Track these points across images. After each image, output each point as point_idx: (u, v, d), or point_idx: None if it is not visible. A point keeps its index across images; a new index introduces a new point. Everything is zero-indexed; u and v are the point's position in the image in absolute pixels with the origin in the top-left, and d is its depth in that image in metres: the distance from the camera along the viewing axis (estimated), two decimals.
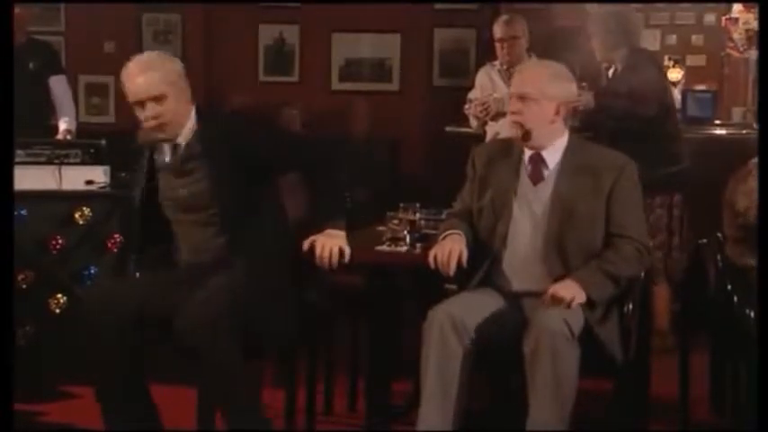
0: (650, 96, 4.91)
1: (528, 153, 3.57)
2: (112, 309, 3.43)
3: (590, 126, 4.87)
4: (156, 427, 3.56)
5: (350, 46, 7.66)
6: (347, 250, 3.50)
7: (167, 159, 3.63)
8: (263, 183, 3.60)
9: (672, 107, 5.39)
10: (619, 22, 5.10)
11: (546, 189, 3.53)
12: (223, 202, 3.56)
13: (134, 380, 3.51)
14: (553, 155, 3.55)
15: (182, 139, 3.59)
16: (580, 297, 3.33)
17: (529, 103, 3.50)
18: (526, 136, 3.53)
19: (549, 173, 3.54)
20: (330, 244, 3.48)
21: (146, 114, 3.52)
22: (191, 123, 3.60)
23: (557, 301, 3.32)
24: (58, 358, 4.51)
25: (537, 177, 3.55)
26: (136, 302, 3.48)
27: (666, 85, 5.36)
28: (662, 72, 5.44)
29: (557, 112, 3.51)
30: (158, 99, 3.51)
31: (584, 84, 4.89)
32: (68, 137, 5.55)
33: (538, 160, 3.55)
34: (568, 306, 3.31)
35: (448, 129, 6.62)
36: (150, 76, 3.51)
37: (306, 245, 3.52)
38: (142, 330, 3.47)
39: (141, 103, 3.52)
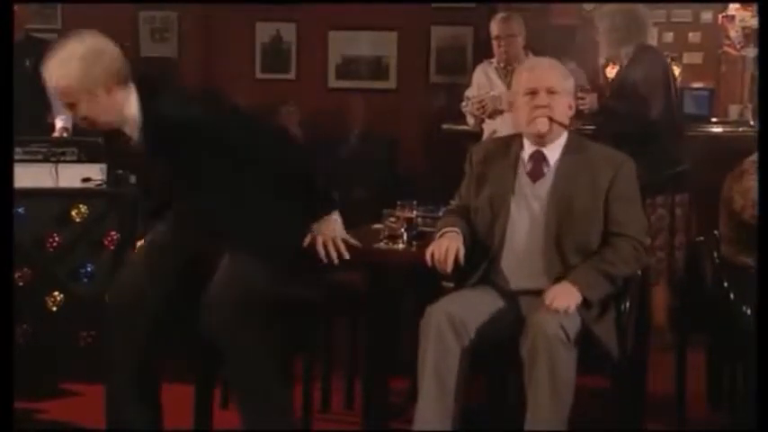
0: (655, 96, 4.87)
1: (528, 150, 3.56)
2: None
3: (594, 127, 4.87)
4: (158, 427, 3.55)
5: (347, 44, 7.65)
6: (350, 243, 3.50)
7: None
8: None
9: (676, 107, 5.32)
10: (625, 18, 5.02)
11: (544, 186, 3.52)
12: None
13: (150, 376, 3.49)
14: (553, 152, 3.54)
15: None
16: (576, 301, 3.32)
17: (556, 97, 3.50)
18: (551, 130, 3.50)
19: (548, 170, 3.54)
20: (330, 237, 3.48)
21: None
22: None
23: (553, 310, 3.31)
24: (58, 356, 4.52)
25: (537, 175, 3.54)
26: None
27: (672, 84, 5.21)
28: (669, 70, 5.31)
29: (570, 107, 3.56)
30: None
31: (587, 86, 4.88)
32: (65, 134, 5.52)
33: (539, 158, 3.55)
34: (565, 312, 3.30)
35: (445, 126, 6.62)
36: None
37: (306, 240, 3.52)
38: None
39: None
